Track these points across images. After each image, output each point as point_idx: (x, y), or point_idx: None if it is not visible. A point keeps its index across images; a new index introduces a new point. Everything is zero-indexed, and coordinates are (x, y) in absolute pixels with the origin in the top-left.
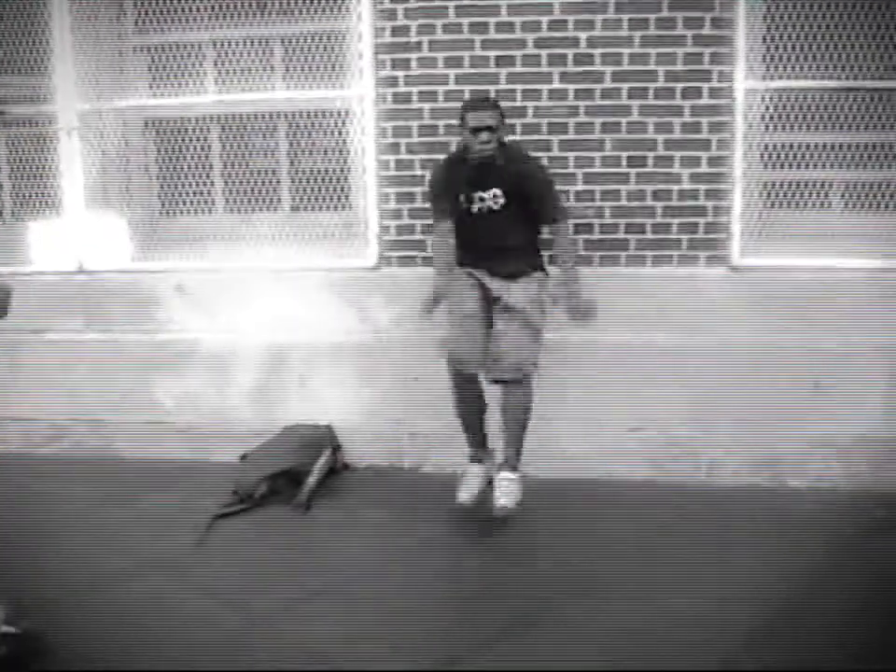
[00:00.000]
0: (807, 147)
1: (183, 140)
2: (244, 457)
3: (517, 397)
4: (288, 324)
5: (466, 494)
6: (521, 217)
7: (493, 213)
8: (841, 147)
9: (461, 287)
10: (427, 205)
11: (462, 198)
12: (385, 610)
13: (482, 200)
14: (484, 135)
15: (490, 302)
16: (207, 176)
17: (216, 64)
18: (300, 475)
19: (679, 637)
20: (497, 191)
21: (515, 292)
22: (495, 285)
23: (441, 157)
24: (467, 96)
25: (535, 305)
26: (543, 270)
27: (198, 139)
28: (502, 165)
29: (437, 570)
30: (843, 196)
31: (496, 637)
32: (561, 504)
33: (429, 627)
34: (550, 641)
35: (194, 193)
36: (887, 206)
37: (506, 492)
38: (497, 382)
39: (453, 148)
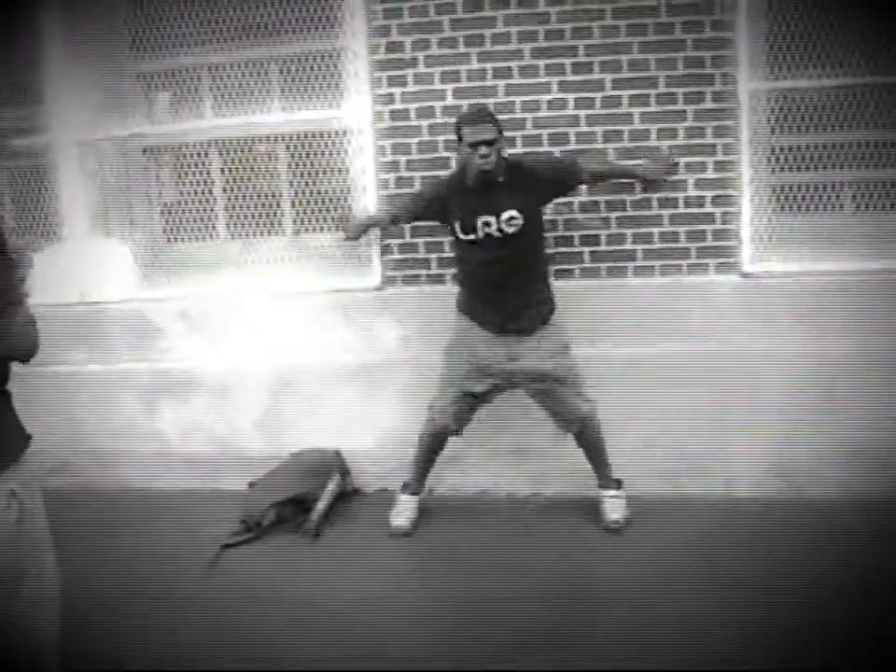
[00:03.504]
0: (816, 147)
1: (183, 166)
2: (252, 485)
3: (590, 433)
4: (294, 348)
5: (402, 518)
6: (534, 238)
7: (504, 239)
8: (850, 146)
9: (468, 352)
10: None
11: (458, 225)
12: (394, 636)
13: (487, 225)
14: (484, 149)
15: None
16: (207, 202)
17: (212, 89)
18: (308, 502)
19: (698, 650)
20: (513, 213)
21: (536, 353)
22: (509, 350)
23: (443, 173)
24: (465, 111)
25: (564, 356)
26: (553, 306)
27: (197, 165)
28: (508, 184)
29: (449, 595)
30: (854, 197)
31: (510, 656)
32: (576, 522)
33: (440, 651)
34: (570, 657)
35: (195, 220)
36: None
37: (616, 507)
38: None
39: (453, 164)
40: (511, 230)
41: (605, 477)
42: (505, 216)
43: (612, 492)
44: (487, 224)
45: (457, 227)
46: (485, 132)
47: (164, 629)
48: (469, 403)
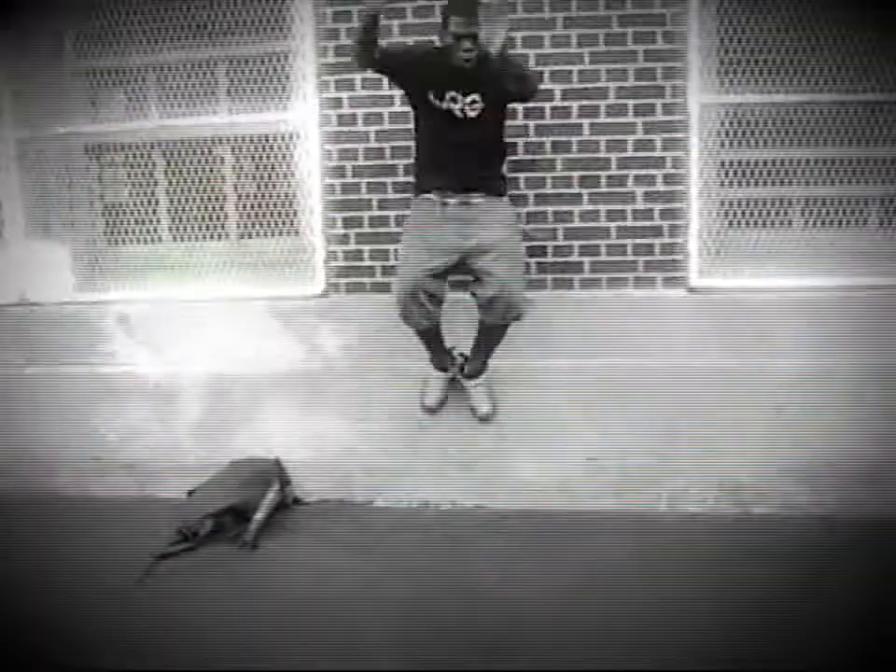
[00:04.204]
0: (765, 163)
1: (126, 167)
2: (191, 493)
3: (503, 331)
4: (235, 354)
5: (432, 399)
6: (493, 131)
7: (465, 121)
8: (800, 162)
9: (419, 237)
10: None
11: (432, 94)
12: (329, 652)
13: (453, 101)
14: (467, 43)
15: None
16: (151, 204)
17: (157, 89)
18: (247, 512)
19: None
20: (476, 97)
21: (490, 226)
22: (460, 228)
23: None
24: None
25: (513, 232)
26: (505, 188)
27: (141, 165)
28: (478, 72)
29: (387, 610)
30: (803, 213)
31: (465, 659)
32: (517, 536)
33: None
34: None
35: (138, 222)
36: (847, 223)
37: (485, 398)
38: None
39: (399, 172)
40: (472, 113)
41: (481, 365)
42: (469, 98)
43: (482, 378)
44: (454, 100)
45: (431, 93)
46: (473, 25)
47: (92, 643)
48: (429, 289)
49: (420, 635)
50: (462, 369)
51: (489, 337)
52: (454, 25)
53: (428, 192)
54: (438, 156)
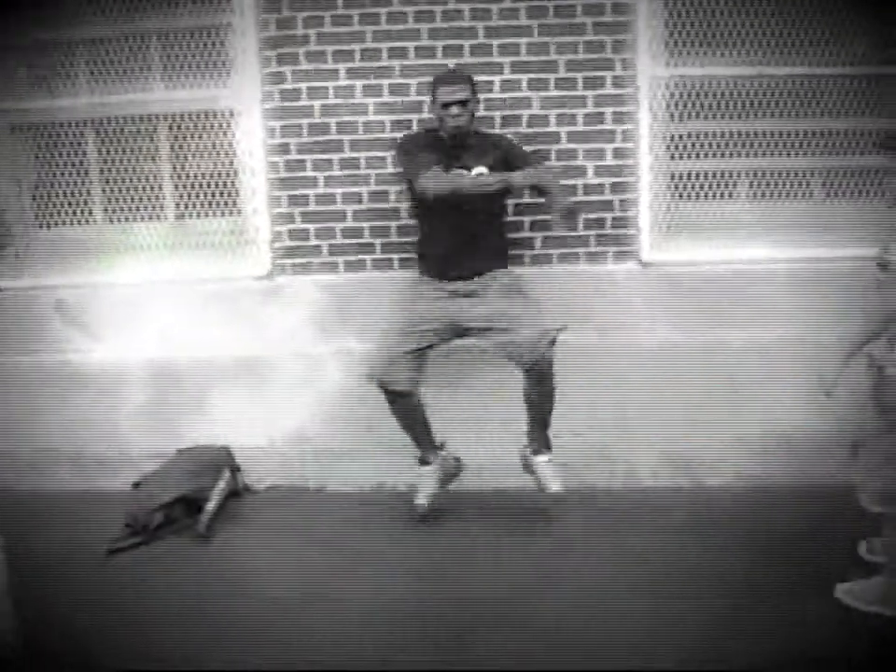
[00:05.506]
0: (714, 135)
1: (56, 146)
2: (136, 485)
3: (543, 385)
4: (178, 339)
5: (423, 498)
6: (498, 201)
7: (471, 195)
8: (748, 134)
9: (421, 303)
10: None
11: None
12: (287, 643)
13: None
14: (455, 109)
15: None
16: (83, 184)
17: (88, 64)
18: (198, 501)
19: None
20: (483, 169)
21: (490, 292)
22: (466, 299)
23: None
24: (359, 91)
25: (515, 288)
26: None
27: (72, 145)
28: (479, 146)
29: (343, 597)
30: (751, 185)
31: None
32: (473, 517)
33: (335, 655)
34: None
35: (70, 203)
36: (794, 195)
37: (553, 476)
38: (522, 368)
39: (345, 148)
40: None
41: (543, 438)
42: (475, 171)
43: (548, 456)
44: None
45: None
46: (458, 92)
47: (39, 645)
48: (410, 359)
49: (380, 627)
50: (457, 465)
51: (530, 397)
52: (442, 95)
53: (432, 276)
54: (439, 237)
